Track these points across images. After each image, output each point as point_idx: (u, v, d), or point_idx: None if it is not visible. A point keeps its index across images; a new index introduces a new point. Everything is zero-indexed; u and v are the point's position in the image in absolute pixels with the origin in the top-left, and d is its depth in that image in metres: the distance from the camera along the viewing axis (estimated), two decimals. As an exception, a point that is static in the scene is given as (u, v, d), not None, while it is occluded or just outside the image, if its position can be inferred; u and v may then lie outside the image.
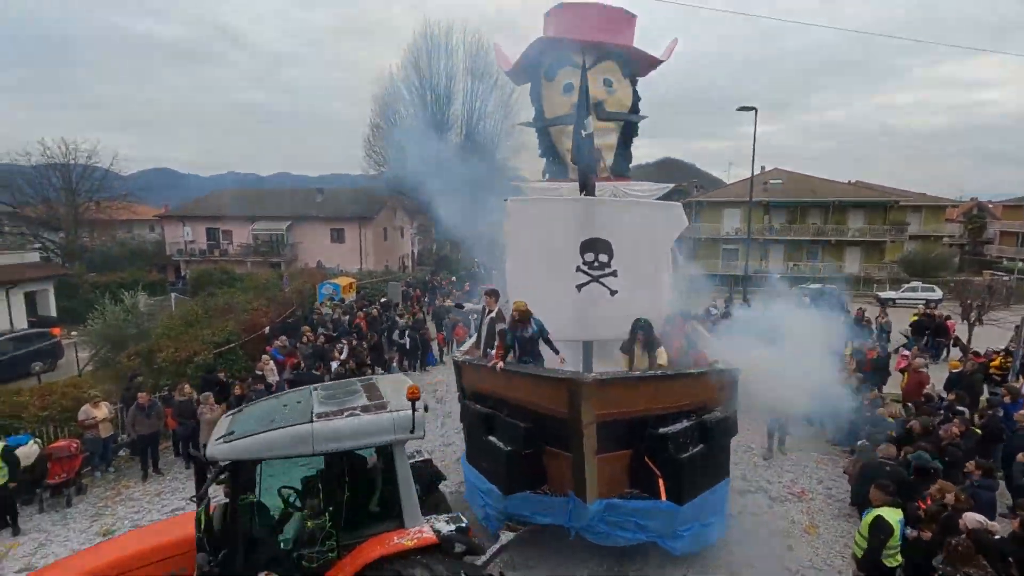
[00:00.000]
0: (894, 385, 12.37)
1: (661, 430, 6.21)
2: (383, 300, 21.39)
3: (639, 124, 10.68)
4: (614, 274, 7.82)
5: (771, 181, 42.21)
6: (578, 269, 7.78)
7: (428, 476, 6.48)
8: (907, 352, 12.71)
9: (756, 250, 35.48)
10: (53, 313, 23.54)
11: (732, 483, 9.15)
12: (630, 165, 10.93)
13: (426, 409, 5.10)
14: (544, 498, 6.59)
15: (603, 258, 7.78)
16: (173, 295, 23.30)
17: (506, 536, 6.51)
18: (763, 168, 43.89)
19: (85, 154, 32.61)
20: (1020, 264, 42.97)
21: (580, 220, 7.69)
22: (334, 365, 11.70)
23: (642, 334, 7.37)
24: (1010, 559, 5.19)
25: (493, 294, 8.14)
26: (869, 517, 5.67)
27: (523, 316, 7.03)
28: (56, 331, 19.10)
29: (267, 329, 14.49)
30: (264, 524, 5.14)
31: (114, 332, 14.98)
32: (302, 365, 12.02)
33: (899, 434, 8.41)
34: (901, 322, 19.02)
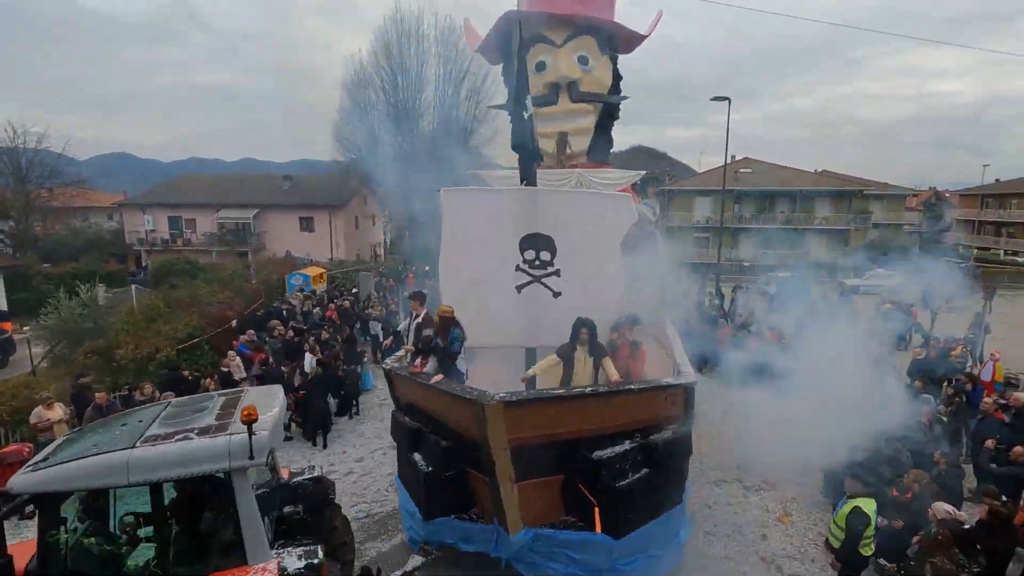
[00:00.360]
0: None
1: (595, 454, 5.42)
2: (355, 291, 20.96)
3: (619, 106, 10.06)
4: (557, 274, 7.03)
5: (741, 170, 42.84)
6: (518, 268, 7.03)
7: (317, 497, 5.74)
8: (874, 340, 13.00)
9: (727, 238, 36.02)
10: (3, 306, 22.38)
11: (707, 474, 9.29)
12: (611, 150, 10.36)
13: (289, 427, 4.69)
14: (467, 524, 5.93)
15: (545, 256, 6.97)
16: (134, 287, 22.36)
17: (413, 561, 6.12)
18: (734, 157, 44.51)
19: (35, 137, 30.98)
20: (975, 251, 44.76)
21: (519, 213, 6.87)
22: (308, 360, 11.34)
23: (586, 331, 6.48)
24: (978, 546, 5.33)
25: (418, 297, 7.66)
26: (846, 508, 5.73)
27: (444, 323, 6.49)
28: (7, 326, 18.16)
29: (234, 323, 14.00)
30: (90, 562, 4.43)
31: (70, 327, 14.26)
32: (270, 360, 11.65)
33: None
34: (868, 309, 19.55)
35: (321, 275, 22.22)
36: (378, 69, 30.83)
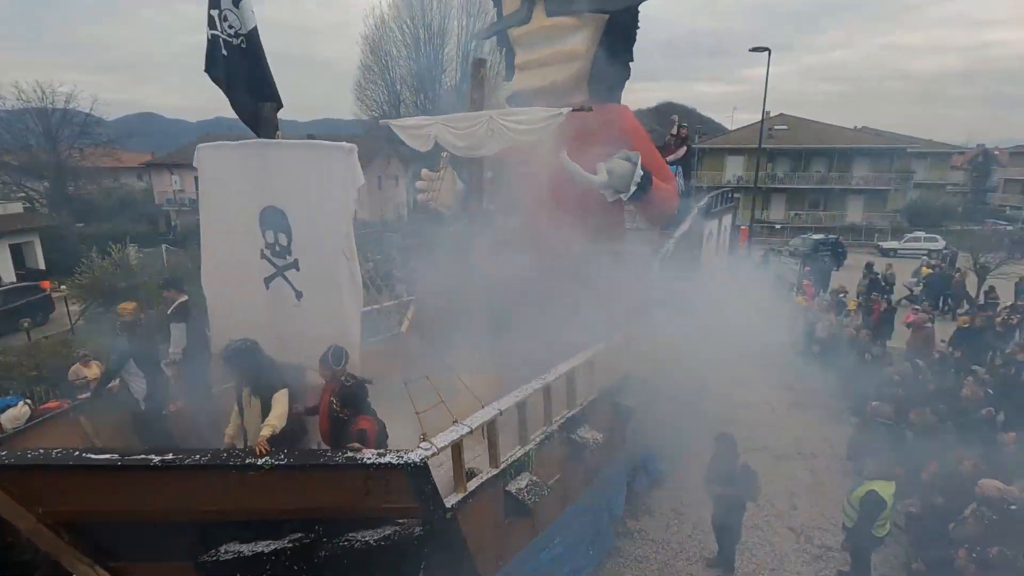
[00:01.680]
0: (900, 340, 12.25)
1: (214, 552, 3.77)
2: (378, 256, 20.95)
3: (636, 19, 7.68)
4: (295, 266, 4.92)
5: (776, 127, 41.00)
6: (262, 255, 5.03)
7: None
8: (917, 306, 12.51)
9: (759, 199, 34.79)
10: (41, 266, 23.06)
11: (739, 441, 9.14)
12: (623, 85, 7.90)
13: None
14: None
15: (283, 239, 4.89)
16: (164, 247, 22.78)
17: None
18: (768, 114, 42.55)
19: (63, 98, 31.19)
20: None
21: (255, 176, 4.85)
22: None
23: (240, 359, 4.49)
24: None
25: (171, 285, 5.92)
26: (861, 490, 5.64)
27: (126, 325, 5.30)
28: (46, 284, 18.69)
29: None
30: None
31: (104, 286, 14.59)
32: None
33: (908, 395, 8.29)
34: (904, 273, 18.81)
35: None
36: (400, 23, 29.99)
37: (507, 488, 4.70)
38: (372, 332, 7.69)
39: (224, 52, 4.86)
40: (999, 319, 11.83)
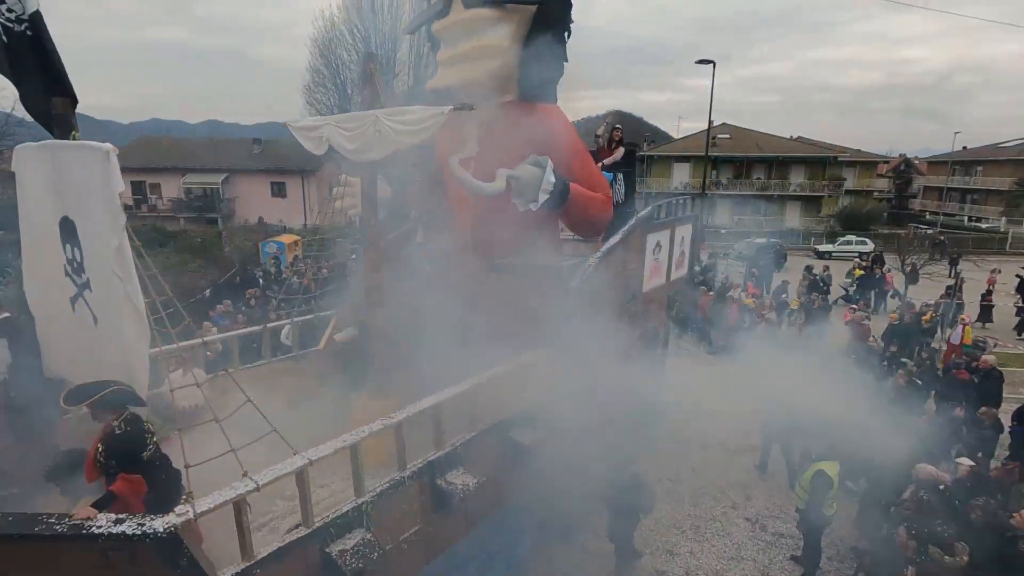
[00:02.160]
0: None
1: None
2: (331, 262, 20.49)
3: (568, 9, 7.19)
4: (89, 285, 4.25)
5: (719, 136, 42.78)
6: (65, 272, 4.37)
7: None
8: (853, 306, 13.33)
9: (705, 205, 36.18)
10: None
11: (692, 439, 9.47)
12: (556, 84, 7.39)
13: None
14: None
15: (77, 255, 4.24)
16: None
17: None
18: (711, 123, 44.33)
19: (-19, 96, 29.02)
20: (941, 218, 45.99)
21: (52, 183, 4.27)
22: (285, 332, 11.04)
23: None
24: (956, 503, 5.53)
25: None
26: (810, 472, 6.07)
27: None
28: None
29: (207, 293, 13.57)
30: None
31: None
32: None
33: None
34: (839, 274, 20.01)
35: (296, 242, 21.64)
36: (350, 25, 29.51)
37: (327, 550, 3.99)
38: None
39: (4, 39, 4.22)
40: (925, 316, 12.79)
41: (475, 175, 6.46)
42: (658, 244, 8.59)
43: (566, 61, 7.32)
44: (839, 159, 43.05)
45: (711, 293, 14.62)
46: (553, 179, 6.42)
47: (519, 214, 6.52)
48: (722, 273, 17.70)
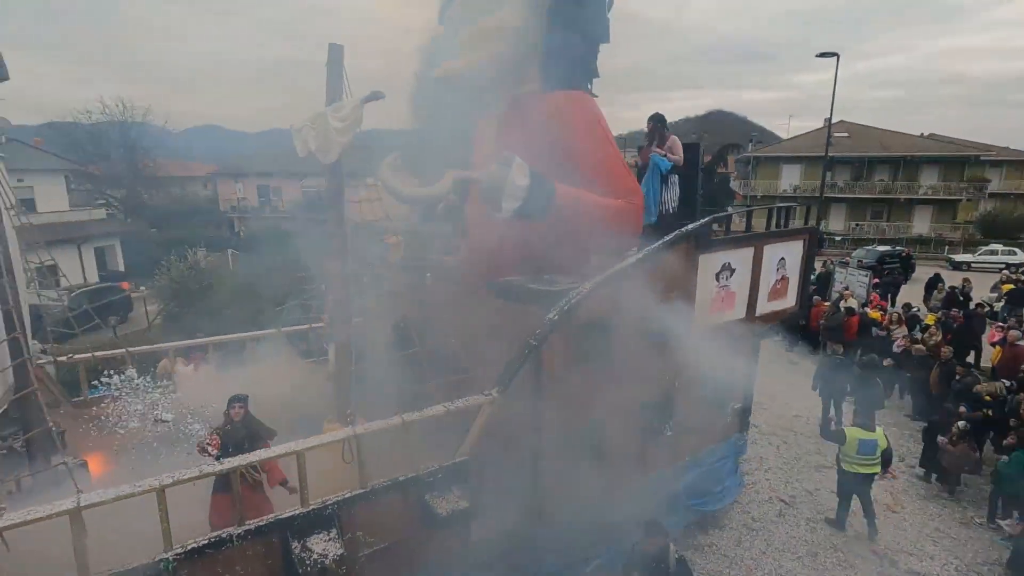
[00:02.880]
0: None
1: None
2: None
3: None
4: None
5: (835, 135, 39.56)
6: None
7: None
8: (1001, 324, 11.77)
9: (815, 210, 33.59)
10: (121, 268, 24.60)
11: (806, 459, 8.79)
12: (591, 67, 6.28)
13: None
14: None
15: None
16: (230, 251, 23.91)
17: None
18: (826, 120, 41.08)
19: (141, 112, 33.39)
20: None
21: None
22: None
23: None
24: None
25: None
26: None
27: None
28: (125, 285, 19.94)
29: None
30: None
31: (179, 287, 15.47)
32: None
33: (998, 414, 7.88)
34: (982, 288, 17.73)
35: (398, 242, 22.73)
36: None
37: None
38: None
39: None
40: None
41: None
42: (726, 267, 6.55)
43: (605, 41, 6.32)
44: (981, 158, 38.20)
45: (825, 303, 13.53)
46: (526, 182, 5.19)
47: (520, 226, 5.53)
48: (839, 283, 16.32)
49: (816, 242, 7.83)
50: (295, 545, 4.10)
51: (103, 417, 5.79)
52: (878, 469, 6.87)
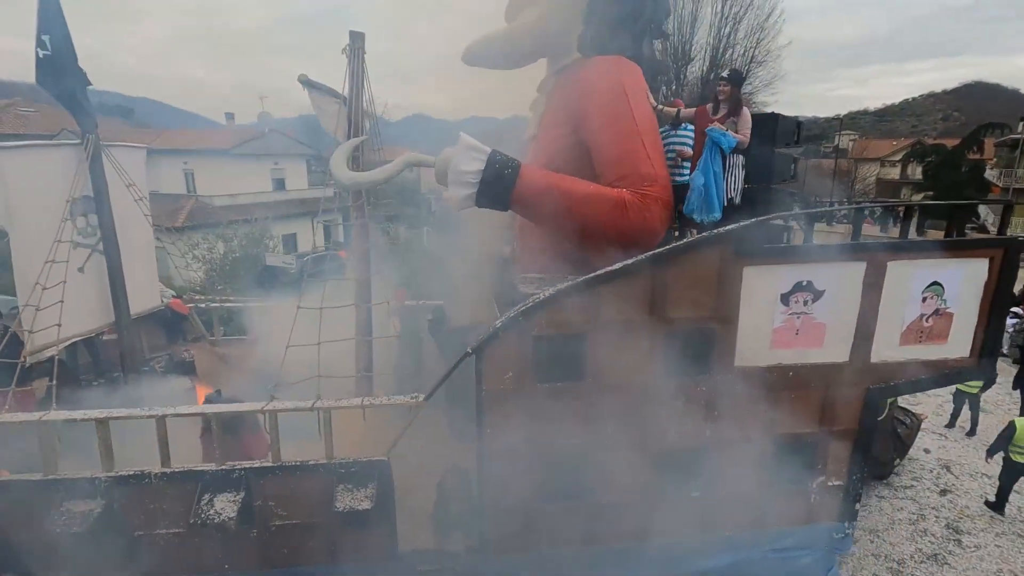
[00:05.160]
0: None
1: None
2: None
3: None
4: None
5: None
6: None
7: None
8: None
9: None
10: (342, 239, 28.90)
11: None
12: (636, 29, 5.49)
13: None
14: None
15: None
16: (425, 229, 26.52)
17: None
18: None
19: (365, 103, 38.51)
20: None
21: None
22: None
23: None
24: None
25: None
26: None
27: None
28: (343, 254, 23.34)
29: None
30: None
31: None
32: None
33: None
34: None
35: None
36: (650, 13, 29.48)
37: None
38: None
39: None
40: None
41: (532, 161, 5.31)
42: (804, 287, 4.90)
43: None
44: None
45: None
46: (474, 167, 4.66)
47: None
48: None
49: (1017, 261, 5.13)
50: (204, 497, 4.60)
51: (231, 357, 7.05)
52: None
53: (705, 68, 30.12)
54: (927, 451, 8.53)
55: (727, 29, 29.61)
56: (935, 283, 5.10)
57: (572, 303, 4.52)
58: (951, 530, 6.82)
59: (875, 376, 5.22)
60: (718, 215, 5.26)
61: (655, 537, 5.22)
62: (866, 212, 6.66)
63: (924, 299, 5.12)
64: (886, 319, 5.10)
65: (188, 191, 26.52)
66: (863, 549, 6.47)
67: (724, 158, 5.23)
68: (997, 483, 7.37)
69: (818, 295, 4.97)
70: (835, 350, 5.13)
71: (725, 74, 5.59)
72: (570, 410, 4.71)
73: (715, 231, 4.78)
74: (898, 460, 7.91)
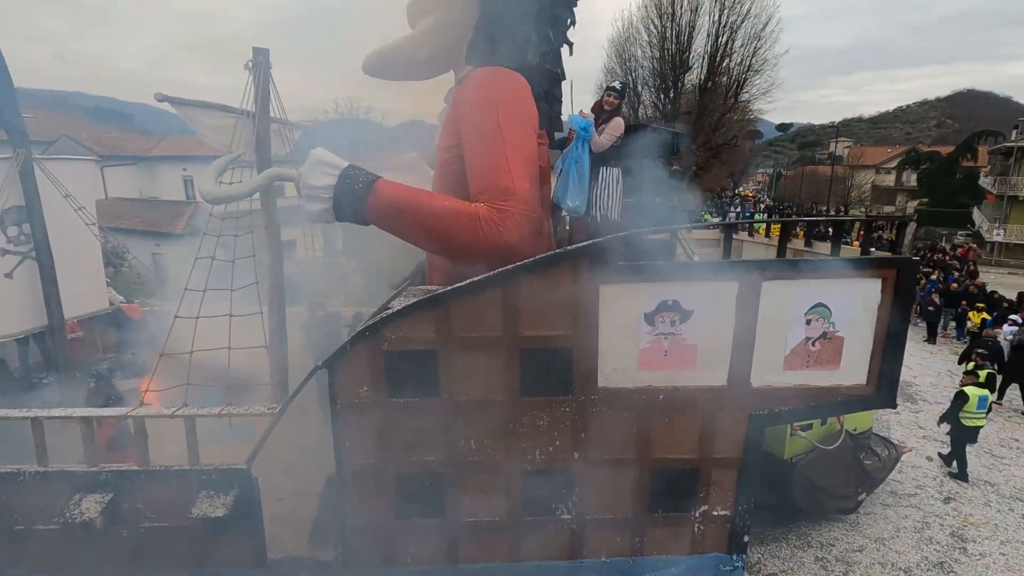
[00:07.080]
0: None
1: None
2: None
3: None
4: None
5: None
6: None
7: None
8: None
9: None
10: (340, 247, 29.46)
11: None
12: (527, 40, 5.32)
13: None
14: None
15: None
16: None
17: None
18: None
19: (364, 110, 38.98)
20: None
21: None
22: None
23: None
24: None
25: None
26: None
27: None
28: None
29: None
30: None
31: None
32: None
33: None
34: None
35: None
36: (647, 24, 29.64)
37: None
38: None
39: None
40: None
41: (436, 175, 5.66)
42: (670, 306, 4.69)
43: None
44: None
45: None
46: (324, 182, 4.57)
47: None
48: None
49: (913, 282, 4.86)
50: (74, 496, 4.78)
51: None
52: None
53: (703, 77, 30.04)
54: (930, 459, 8.61)
55: (724, 38, 29.52)
56: (820, 304, 4.79)
57: (421, 318, 4.49)
58: (956, 538, 6.80)
59: (758, 402, 4.91)
60: (578, 205, 5.31)
61: (524, 558, 5.13)
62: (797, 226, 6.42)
63: (809, 321, 4.82)
64: (766, 342, 4.81)
65: (188, 198, 26.78)
66: (870, 558, 6.44)
67: (589, 149, 5.38)
68: (953, 451, 8.06)
69: (686, 315, 4.70)
70: (710, 373, 4.85)
71: (617, 85, 5.66)
72: (426, 426, 4.71)
73: (568, 248, 4.70)
74: (863, 494, 7.18)
